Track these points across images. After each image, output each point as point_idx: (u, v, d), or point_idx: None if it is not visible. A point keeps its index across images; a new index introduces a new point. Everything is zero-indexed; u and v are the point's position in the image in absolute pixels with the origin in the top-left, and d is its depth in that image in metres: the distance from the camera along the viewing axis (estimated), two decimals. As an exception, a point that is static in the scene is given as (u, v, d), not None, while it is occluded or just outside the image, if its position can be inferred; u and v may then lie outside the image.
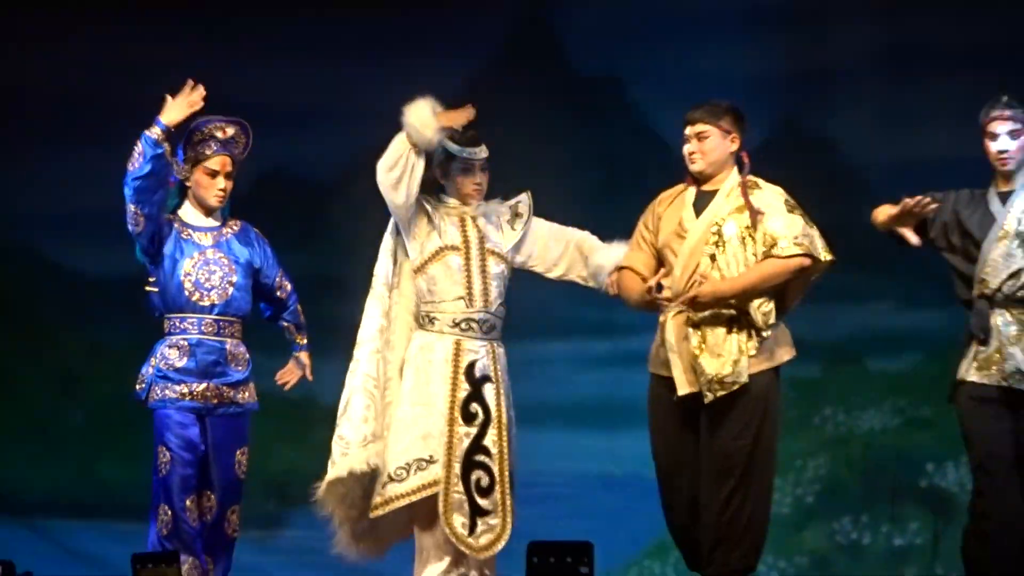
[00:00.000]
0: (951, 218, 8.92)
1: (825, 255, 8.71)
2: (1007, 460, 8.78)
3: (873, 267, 10.31)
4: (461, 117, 8.71)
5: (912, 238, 8.95)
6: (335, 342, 9.41)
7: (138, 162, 8.93)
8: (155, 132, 8.94)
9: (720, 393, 8.62)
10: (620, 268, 9.00)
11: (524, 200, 9.08)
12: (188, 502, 9.17)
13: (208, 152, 9.25)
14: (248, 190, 10.18)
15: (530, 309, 9.70)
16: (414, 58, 11.24)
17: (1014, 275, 8.77)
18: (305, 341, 9.61)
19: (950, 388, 8.92)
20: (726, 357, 8.69)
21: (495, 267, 8.98)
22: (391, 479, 8.85)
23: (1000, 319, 8.80)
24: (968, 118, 9.81)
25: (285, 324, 9.51)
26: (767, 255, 8.65)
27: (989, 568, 8.73)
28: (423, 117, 8.58)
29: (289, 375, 9.46)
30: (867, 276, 10.43)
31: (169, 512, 9.19)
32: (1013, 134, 8.86)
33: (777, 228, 8.71)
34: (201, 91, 9.12)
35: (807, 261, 8.66)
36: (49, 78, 11.61)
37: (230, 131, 9.29)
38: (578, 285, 9.27)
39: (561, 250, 9.19)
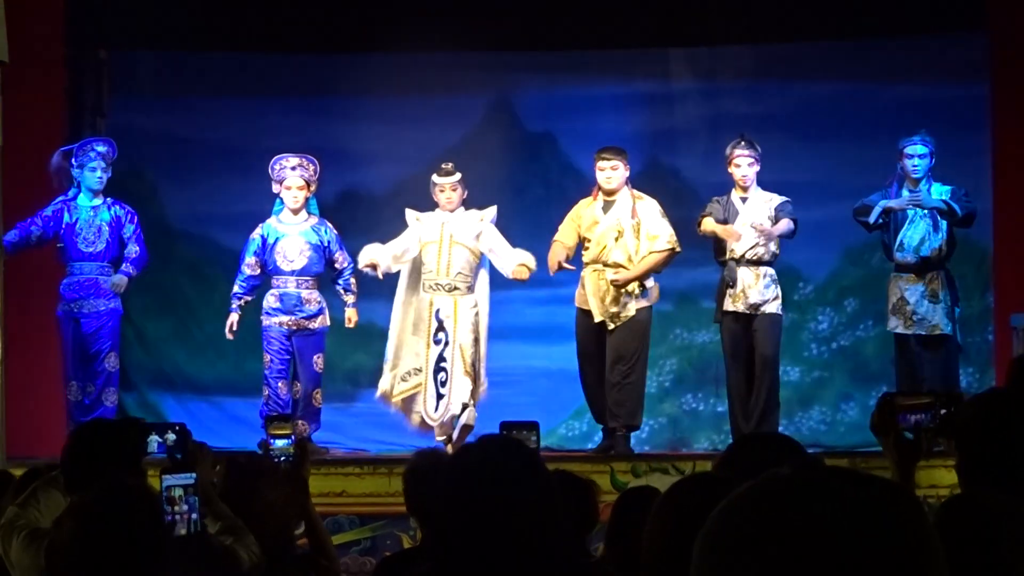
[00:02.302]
0: (719, 212, 9.77)
1: (677, 247, 9.78)
2: (739, 357, 9.87)
3: (701, 247, 10.27)
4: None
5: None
6: (383, 291, 10.37)
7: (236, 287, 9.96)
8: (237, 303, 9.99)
9: (618, 323, 9.70)
10: (555, 240, 9.86)
11: (490, 212, 9.96)
12: (281, 384, 9.99)
13: (284, 175, 9.99)
14: (335, 202, 10.90)
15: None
16: (430, 123, 11.42)
17: (752, 247, 9.69)
18: (351, 300, 10.07)
19: (716, 314, 9.92)
20: (621, 302, 9.71)
21: (456, 251, 9.82)
22: (402, 380, 9.96)
23: (743, 272, 9.70)
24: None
25: (339, 288, 10.08)
26: (651, 251, 9.70)
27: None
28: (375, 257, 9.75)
29: (348, 322, 10.08)
30: (698, 251, 10.36)
31: (267, 392, 9.99)
32: (750, 164, 9.80)
33: (657, 230, 9.79)
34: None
35: (671, 253, 9.72)
36: (218, 134, 11.65)
37: (294, 161, 9.96)
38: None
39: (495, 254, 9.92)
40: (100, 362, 10.05)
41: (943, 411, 3.62)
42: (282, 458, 4.92)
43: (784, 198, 9.87)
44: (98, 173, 10.00)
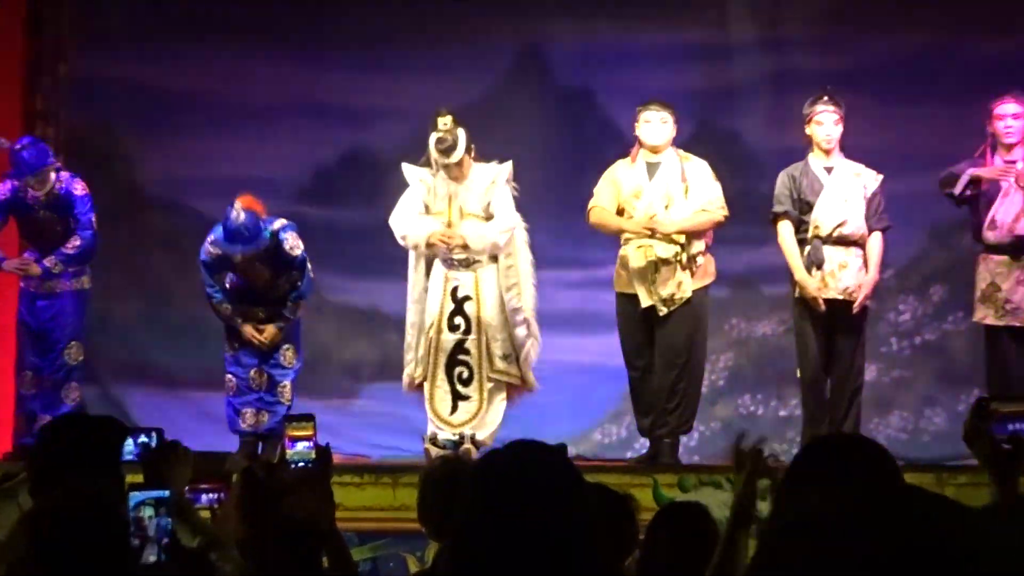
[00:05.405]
0: (793, 190, 9.64)
1: (727, 212, 9.72)
2: (816, 344, 9.72)
3: (762, 222, 10.16)
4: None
5: None
6: (392, 269, 10.32)
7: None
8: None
9: (672, 307, 9.58)
10: (593, 207, 9.71)
11: (504, 170, 9.68)
12: (252, 372, 10.01)
13: None
14: (336, 166, 11.09)
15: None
16: (447, 74, 11.36)
17: (841, 224, 9.58)
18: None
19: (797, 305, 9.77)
20: (673, 282, 9.60)
21: (466, 219, 9.57)
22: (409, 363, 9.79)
23: (831, 252, 9.57)
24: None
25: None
26: (703, 210, 9.61)
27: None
28: (418, 239, 9.46)
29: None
30: (759, 228, 10.32)
31: (233, 380, 10.01)
32: (836, 123, 9.62)
33: (708, 194, 9.69)
34: None
35: (722, 218, 9.70)
36: (197, 85, 11.69)
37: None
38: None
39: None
40: (59, 354, 10.07)
41: (1048, 419, 3.62)
42: (300, 463, 4.81)
43: (877, 175, 9.76)
44: (30, 182, 9.98)
